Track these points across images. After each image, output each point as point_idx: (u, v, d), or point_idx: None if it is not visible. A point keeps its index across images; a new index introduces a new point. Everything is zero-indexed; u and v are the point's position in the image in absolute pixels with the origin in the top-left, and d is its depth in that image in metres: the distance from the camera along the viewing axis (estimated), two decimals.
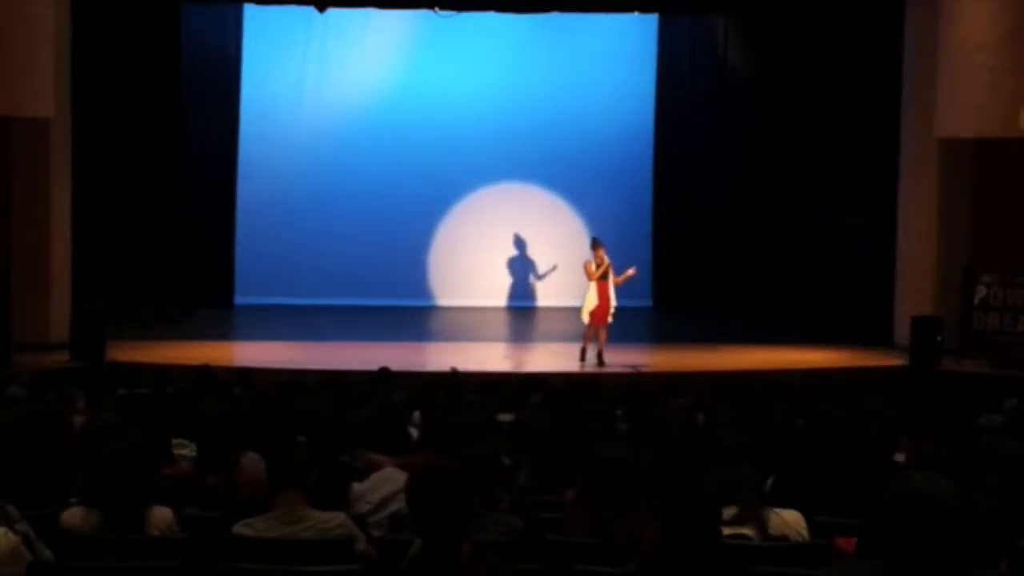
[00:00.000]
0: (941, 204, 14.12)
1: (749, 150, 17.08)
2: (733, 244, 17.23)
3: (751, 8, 16.83)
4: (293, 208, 17.78)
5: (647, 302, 18.41)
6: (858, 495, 4.57)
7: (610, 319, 13.14)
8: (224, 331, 15.79)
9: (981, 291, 13.59)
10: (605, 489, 4.44)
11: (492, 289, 18.34)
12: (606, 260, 13.20)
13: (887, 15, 14.69)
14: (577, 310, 13.50)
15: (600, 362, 13.06)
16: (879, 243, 15.15)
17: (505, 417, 7.42)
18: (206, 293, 16.90)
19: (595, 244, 13.38)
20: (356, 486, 5.20)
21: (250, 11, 17.01)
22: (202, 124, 16.74)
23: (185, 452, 5.76)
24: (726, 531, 4.40)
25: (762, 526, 4.46)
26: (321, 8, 15.95)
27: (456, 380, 10.19)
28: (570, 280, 18.10)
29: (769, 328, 15.36)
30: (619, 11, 16.72)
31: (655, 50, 18.33)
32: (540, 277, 18.20)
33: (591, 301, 13.10)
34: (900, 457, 6.00)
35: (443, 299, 18.35)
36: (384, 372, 10.30)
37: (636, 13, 16.93)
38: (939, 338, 13.27)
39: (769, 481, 5.12)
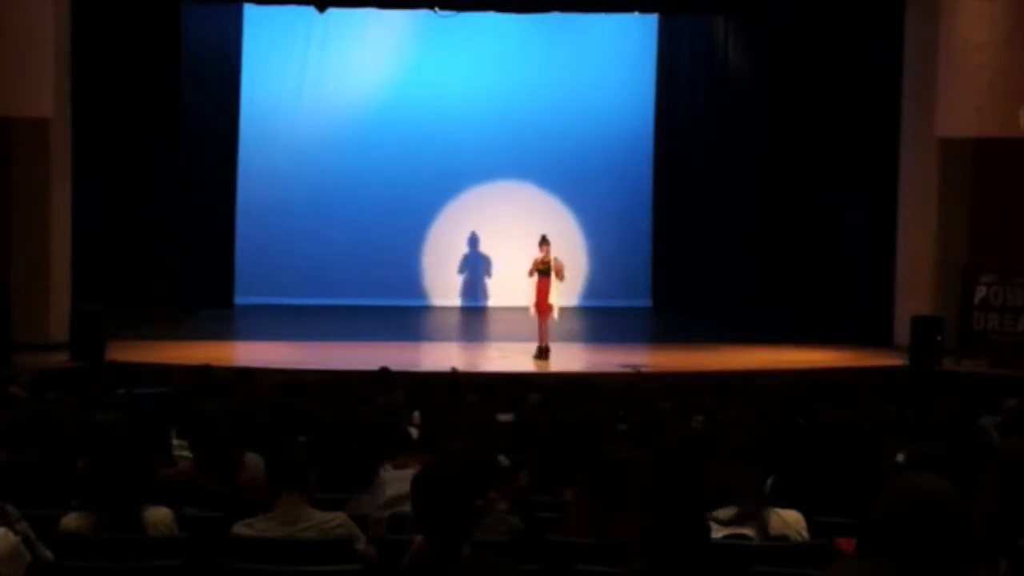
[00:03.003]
0: (941, 204, 14.13)
1: (749, 150, 17.10)
2: (733, 244, 17.22)
3: (751, 8, 16.83)
4: (293, 208, 17.78)
5: (647, 302, 18.42)
6: (858, 495, 4.57)
7: (555, 316, 13.46)
8: (224, 331, 15.78)
9: (981, 291, 13.60)
10: (606, 489, 4.44)
11: (493, 289, 18.33)
12: (550, 257, 13.42)
13: (887, 15, 14.69)
14: (560, 309, 13.80)
15: (540, 355, 13.37)
16: (879, 243, 15.15)
17: (505, 417, 7.41)
18: (206, 293, 16.90)
19: (542, 241, 13.62)
20: (385, 474, 5.22)
21: (250, 11, 17.01)
22: (202, 124, 16.74)
23: (185, 452, 5.76)
24: (726, 531, 4.40)
25: (762, 526, 4.45)
26: (321, 8, 15.96)
27: (456, 380, 10.21)
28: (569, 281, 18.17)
29: (769, 328, 15.35)
30: (619, 11, 16.72)
31: (655, 50, 18.33)
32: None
33: (532, 297, 13.51)
34: (900, 457, 6.00)
35: (442, 299, 18.33)
36: (384, 372, 10.30)
37: (636, 13, 16.93)
38: (939, 338, 13.27)
39: (769, 481, 5.11)
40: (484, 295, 18.34)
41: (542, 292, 13.43)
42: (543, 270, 13.43)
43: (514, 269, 18.15)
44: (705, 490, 4.59)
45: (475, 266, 18.33)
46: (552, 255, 13.49)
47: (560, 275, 13.49)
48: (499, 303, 18.18)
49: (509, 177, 18.23)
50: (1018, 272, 13.46)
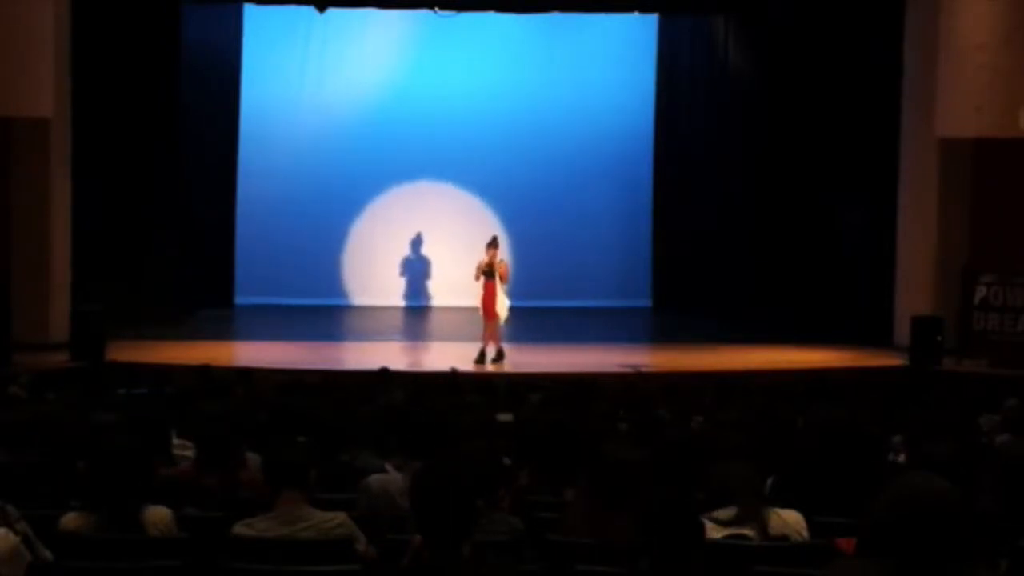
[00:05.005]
0: (941, 204, 14.12)
1: (749, 150, 17.09)
2: (733, 244, 17.22)
3: (751, 8, 16.83)
4: (293, 208, 17.78)
5: (647, 302, 18.42)
6: (858, 495, 4.57)
7: (503, 317, 13.24)
8: (224, 331, 15.78)
9: (981, 291, 13.59)
10: (606, 489, 4.44)
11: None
12: (497, 260, 13.28)
13: (887, 15, 14.69)
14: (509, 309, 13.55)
15: (497, 358, 13.17)
16: (879, 243, 15.15)
17: (505, 417, 7.41)
18: (206, 293, 16.90)
19: (489, 244, 13.44)
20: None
21: (250, 11, 17.01)
22: (202, 124, 16.74)
23: (186, 452, 5.75)
24: (726, 531, 4.40)
25: (762, 526, 4.45)
26: (321, 8, 15.96)
27: (456, 380, 10.22)
28: (576, 280, 18.16)
29: (769, 328, 15.35)
30: (619, 11, 16.71)
31: (655, 50, 18.34)
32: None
33: (480, 299, 13.32)
34: (901, 457, 6.00)
35: (443, 300, 18.32)
36: (384, 372, 10.31)
37: (636, 13, 16.93)
38: (939, 338, 13.27)
39: (769, 481, 5.12)
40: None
41: (489, 295, 13.25)
42: (488, 272, 13.24)
43: (523, 269, 18.11)
44: (705, 490, 4.60)
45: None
46: (499, 258, 13.31)
47: (503, 279, 13.29)
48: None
49: (508, 176, 18.21)
50: (1018, 272, 13.45)
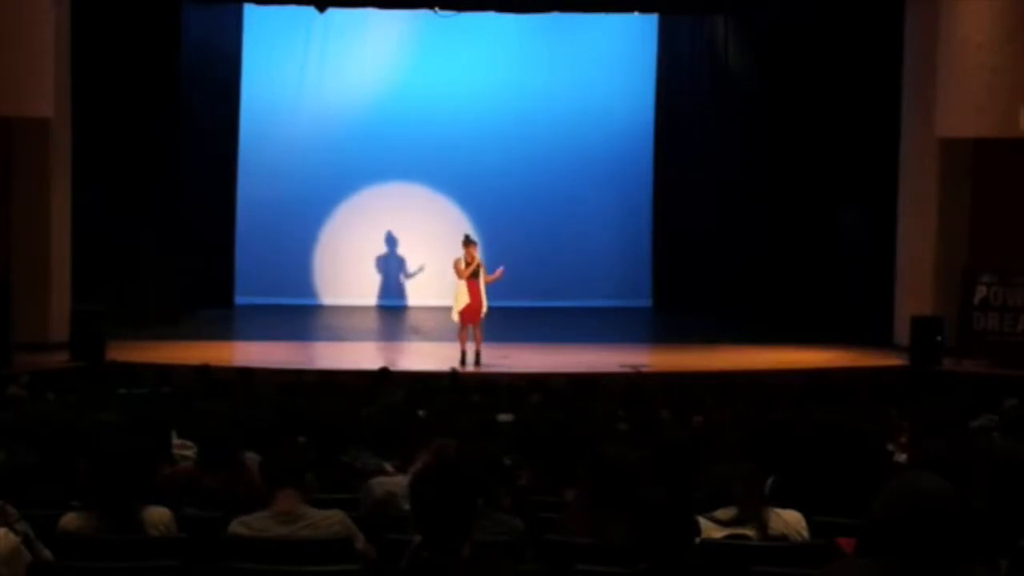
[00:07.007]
0: (941, 204, 14.12)
1: (749, 150, 17.09)
2: (733, 244, 17.21)
3: (751, 8, 16.83)
4: (293, 208, 17.77)
5: (647, 302, 18.41)
6: (858, 495, 4.57)
7: (483, 317, 13.07)
8: (224, 331, 15.78)
9: (981, 291, 13.59)
10: (605, 489, 4.44)
11: (498, 289, 18.28)
12: (477, 259, 13.13)
13: (887, 15, 14.70)
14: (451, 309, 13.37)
15: (477, 362, 12.99)
16: (879, 243, 15.15)
17: (505, 417, 7.42)
18: (206, 293, 16.89)
19: (467, 242, 13.23)
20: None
21: (250, 11, 17.00)
22: (202, 124, 16.73)
23: (186, 452, 5.76)
24: (726, 531, 4.41)
25: (762, 526, 4.46)
26: (321, 8, 15.94)
27: (456, 380, 10.23)
28: (577, 280, 18.16)
29: (769, 328, 15.35)
30: (619, 11, 16.69)
31: (655, 50, 18.32)
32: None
33: (461, 300, 13.05)
34: (901, 457, 6.01)
35: (443, 299, 18.31)
36: (384, 372, 10.32)
37: (636, 13, 16.90)
38: (939, 338, 13.27)
39: (769, 481, 5.12)
40: (497, 296, 18.23)
41: (474, 295, 13.01)
42: (474, 272, 13.02)
43: (523, 269, 18.06)
44: (705, 490, 4.60)
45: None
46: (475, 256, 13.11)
47: (488, 278, 13.10)
48: (512, 304, 18.12)
49: (508, 175, 18.21)
50: (1018, 272, 13.46)
